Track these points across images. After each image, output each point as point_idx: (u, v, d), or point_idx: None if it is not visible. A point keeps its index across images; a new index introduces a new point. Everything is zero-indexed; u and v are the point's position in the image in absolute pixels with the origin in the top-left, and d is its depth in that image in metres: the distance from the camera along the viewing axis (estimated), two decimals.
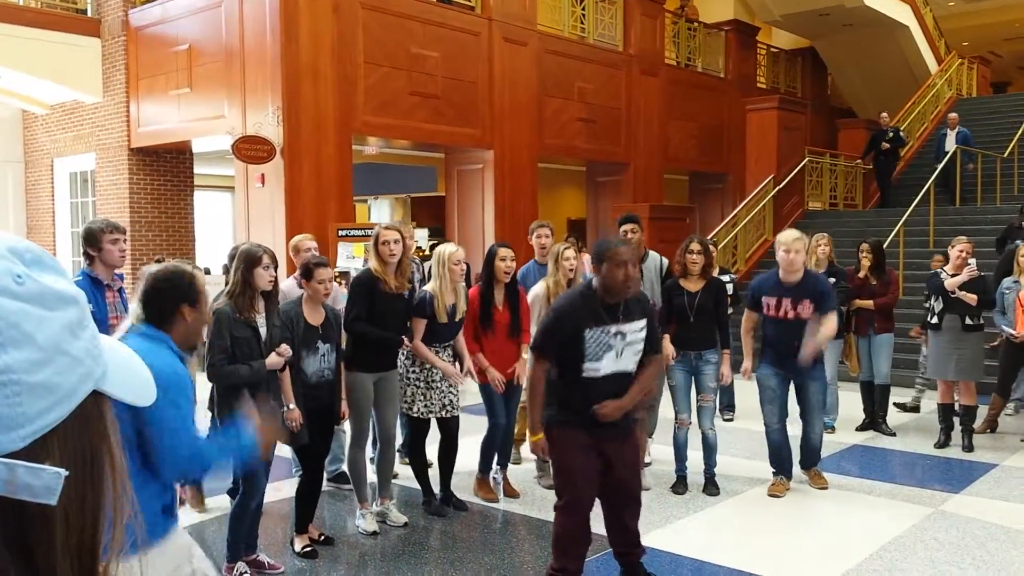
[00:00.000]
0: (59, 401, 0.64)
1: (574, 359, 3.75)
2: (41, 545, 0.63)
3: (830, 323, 5.48)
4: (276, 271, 4.37)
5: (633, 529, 4.05)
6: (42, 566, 0.63)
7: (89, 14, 11.98)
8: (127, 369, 0.75)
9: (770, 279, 5.68)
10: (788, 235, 5.58)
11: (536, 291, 5.62)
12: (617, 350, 3.78)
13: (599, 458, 3.84)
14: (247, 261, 4.21)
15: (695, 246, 5.78)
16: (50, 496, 0.61)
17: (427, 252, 11.69)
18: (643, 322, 3.88)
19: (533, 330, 5.64)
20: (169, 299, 2.76)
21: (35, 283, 0.65)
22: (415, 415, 5.22)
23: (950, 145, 13.87)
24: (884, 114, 14.74)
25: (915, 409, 8.18)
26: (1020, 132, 13.73)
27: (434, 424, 5.34)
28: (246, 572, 4.31)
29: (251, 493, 4.27)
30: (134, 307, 3.01)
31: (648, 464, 6.20)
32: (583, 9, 13.50)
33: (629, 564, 4.11)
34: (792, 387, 5.68)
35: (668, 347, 5.66)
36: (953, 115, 14.56)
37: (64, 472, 0.62)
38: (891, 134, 14.34)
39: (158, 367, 2.54)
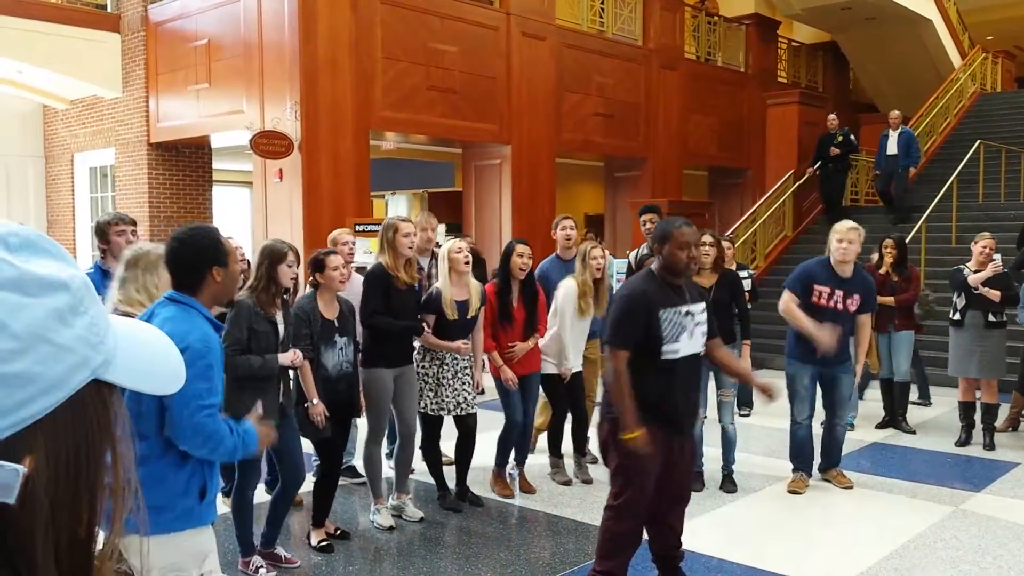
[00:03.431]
0: (43, 392, 0.61)
1: (652, 344, 3.65)
2: (20, 544, 0.59)
3: (867, 327, 5.58)
4: (299, 268, 4.39)
5: (678, 530, 3.95)
6: (22, 567, 0.59)
7: (109, 10, 12.06)
8: (148, 356, 0.71)
9: (822, 268, 5.51)
10: (843, 224, 5.49)
11: (567, 287, 5.60)
12: (689, 330, 3.73)
13: (662, 457, 3.73)
14: (271, 257, 4.23)
15: (706, 238, 5.73)
16: (7, 495, 0.58)
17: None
18: (703, 304, 3.86)
19: (550, 324, 5.65)
20: (197, 262, 2.70)
21: (13, 269, 0.61)
22: (422, 411, 5.20)
23: (892, 148, 12.65)
24: (832, 116, 13.44)
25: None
26: None
27: (451, 421, 5.32)
28: (262, 566, 4.32)
29: (247, 481, 4.33)
30: (112, 291, 3.01)
31: None
32: (602, 3, 13.43)
33: (668, 567, 4.00)
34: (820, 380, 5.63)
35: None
36: (895, 113, 12.94)
37: (23, 469, 0.58)
38: (840, 137, 12.97)
39: (190, 341, 2.55)
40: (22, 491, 0.58)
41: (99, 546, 0.67)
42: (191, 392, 2.53)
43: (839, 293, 5.42)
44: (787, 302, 5.51)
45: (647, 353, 3.67)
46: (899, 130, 12.66)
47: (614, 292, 7.33)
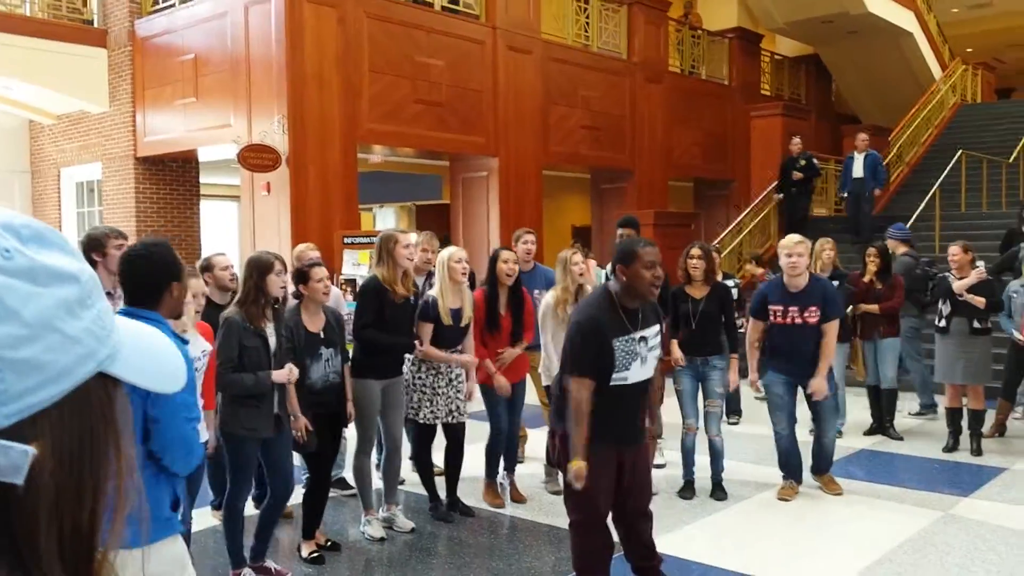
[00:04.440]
0: (51, 380, 0.62)
1: (602, 370, 3.60)
2: (24, 529, 0.60)
3: (832, 334, 5.51)
4: (287, 277, 4.38)
5: (649, 543, 3.92)
6: (26, 552, 0.60)
7: (95, 25, 12.05)
8: (151, 355, 0.72)
9: (776, 286, 5.66)
10: (789, 239, 5.60)
11: (547, 300, 5.60)
12: (642, 357, 3.67)
13: (616, 471, 3.72)
14: (259, 269, 4.21)
15: (695, 251, 5.78)
16: (16, 475, 0.58)
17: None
18: (658, 326, 3.79)
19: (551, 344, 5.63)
20: (157, 278, 2.71)
21: (25, 259, 0.63)
22: (421, 421, 5.21)
23: (858, 171, 12.53)
24: (796, 139, 13.14)
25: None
26: None
27: (440, 430, 5.33)
28: None
29: (236, 493, 4.31)
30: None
31: (662, 466, 6.20)
32: (587, 17, 13.53)
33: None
34: (801, 392, 5.66)
35: (677, 352, 5.70)
36: (863, 136, 12.87)
37: (32, 450, 0.59)
38: (803, 162, 12.78)
39: None
40: (28, 475, 0.59)
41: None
42: (180, 402, 2.56)
43: (793, 309, 5.47)
44: (750, 332, 5.81)
45: (596, 378, 3.60)
46: (864, 153, 12.56)
47: None
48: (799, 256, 5.44)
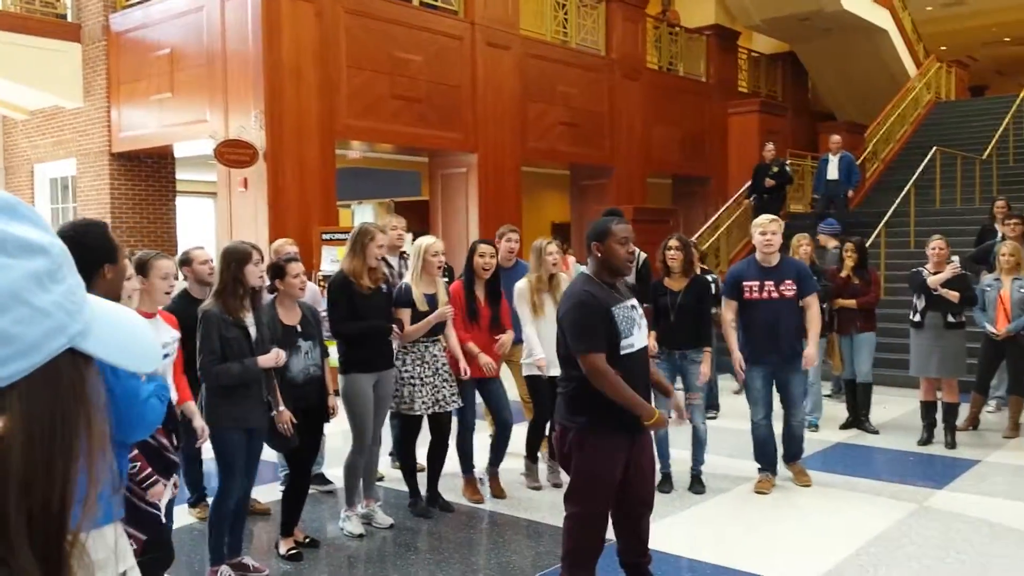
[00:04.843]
0: (20, 353, 0.61)
1: (610, 341, 3.62)
2: None
3: (814, 307, 5.63)
4: (263, 267, 4.36)
5: (644, 539, 3.91)
6: None
7: (69, 19, 11.92)
8: (124, 331, 0.72)
9: (749, 264, 5.72)
10: (763, 218, 5.75)
11: (519, 287, 5.60)
12: (638, 323, 3.73)
13: (624, 465, 3.70)
14: (237, 259, 4.17)
15: (673, 242, 5.81)
16: None
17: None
18: (634, 298, 3.85)
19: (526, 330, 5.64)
20: (86, 260, 2.57)
21: None
22: (406, 412, 5.15)
23: (832, 173, 12.49)
24: (770, 145, 12.99)
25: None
26: (998, 134, 13.87)
27: (425, 424, 5.29)
28: (230, 575, 4.28)
29: (227, 491, 4.24)
30: None
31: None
32: (565, 14, 13.54)
33: (638, 574, 3.98)
34: (774, 382, 5.72)
35: (652, 344, 5.70)
36: (836, 137, 12.86)
37: None
38: (775, 169, 12.65)
39: None
40: None
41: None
42: (134, 383, 2.49)
43: (769, 283, 5.56)
44: (724, 313, 5.77)
45: (605, 351, 3.63)
46: (839, 155, 12.51)
47: None
48: (773, 234, 5.56)
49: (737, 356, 5.68)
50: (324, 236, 9.34)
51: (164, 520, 3.17)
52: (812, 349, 5.60)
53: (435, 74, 11.28)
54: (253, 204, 9.86)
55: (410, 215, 17.08)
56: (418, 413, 5.16)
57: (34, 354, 0.62)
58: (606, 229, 3.71)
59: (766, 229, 5.57)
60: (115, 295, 2.79)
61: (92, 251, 2.59)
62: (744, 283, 5.64)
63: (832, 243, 9.07)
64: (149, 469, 3.00)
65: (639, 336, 3.72)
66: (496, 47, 12.05)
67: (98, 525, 2.58)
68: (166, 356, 3.86)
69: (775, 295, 5.55)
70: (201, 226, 15.39)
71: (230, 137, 9.72)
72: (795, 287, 5.56)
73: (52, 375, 0.63)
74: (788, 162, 14.57)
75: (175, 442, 3.19)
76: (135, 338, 0.73)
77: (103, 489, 0.67)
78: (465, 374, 5.29)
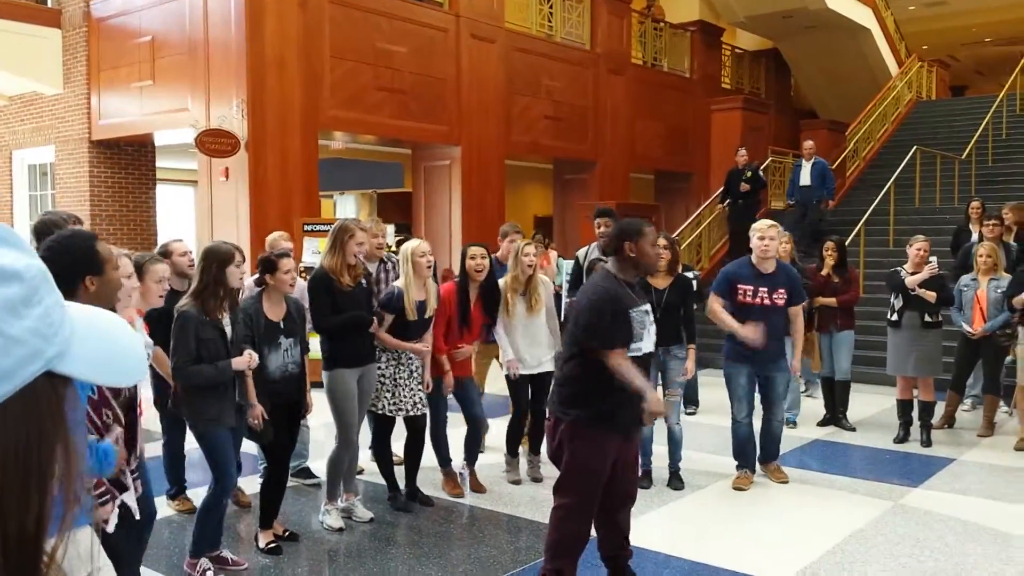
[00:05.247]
0: None
1: (622, 342, 3.68)
2: None
3: (800, 319, 5.75)
4: (245, 268, 4.33)
5: (625, 531, 3.98)
6: None
7: (49, 4, 11.79)
8: (109, 347, 0.71)
9: (744, 266, 5.73)
10: (763, 223, 5.77)
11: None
12: (648, 328, 3.79)
13: (614, 460, 3.77)
14: (219, 260, 4.13)
15: (661, 241, 5.82)
16: None
17: (394, 248, 11.68)
18: (648, 304, 3.95)
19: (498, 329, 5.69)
20: (66, 271, 2.51)
21: None
22: (380, 412, 5.19)
23: (805, 179, 12.37)
24: (742, 150, 12.83)
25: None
26: (978, 134, 13.99)
27: (401, 421, 5.31)
28: (209, 568, 4.26)
29: (222, 488, 4.23)
30: None
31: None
32: (550, 7, 13.53)
33: (617, 567, 4.03)
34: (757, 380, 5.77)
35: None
36: (809, 143, 12.70)
37: None
38: (749, 173, 12.48)
39: None
40: None
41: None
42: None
43: (763, 290, 5.60)
44: (712, 303, 5.73)
45: (624, 348, 3.69)
46: (812, 161, 12.40)
47: (565, 294, 7.43)
48: (771, 239, 5.58)
49: (742, 330, 5.37)
50: (306, 227, 9.29)
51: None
52: (796, 362, 5.79)
53: (419, 66, 11.25)
54: (234, 194, 9.80)
55: (393, 207, 17.10)
56: (381, 413, 5.16)
57: (7, 382, 0.61)
58: (639, 229, 3.78)
59: (764, 234, 5.58)
60: (103, 305, 2.77)
61: (75, 262, 2.58)
62: (739, 285, 5.65)
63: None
64: (105, 486, 2.91)
65: (648, 341, 3.82)
66: (481, 40, 12.03)
67: (73, 527, 2.56)
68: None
69: (767, 302, 5.59)
70: (181, 215, 15.28)
71: (212, 126, 9.65)
72: (786, 296, 5.61)
73: (28, 400, 0.62)
74: (769, 159, 14.69)
75: (131, 465, 3.11)
76: (120, 351, 0.72)
77: (80, 507, 0.67)
78: (427, 387, 5.29)
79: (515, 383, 5.73)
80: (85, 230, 2.79)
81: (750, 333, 5.30)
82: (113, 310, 2.88)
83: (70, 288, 2.59)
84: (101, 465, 2.60)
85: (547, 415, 4.03)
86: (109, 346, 0.71)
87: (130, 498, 3.03)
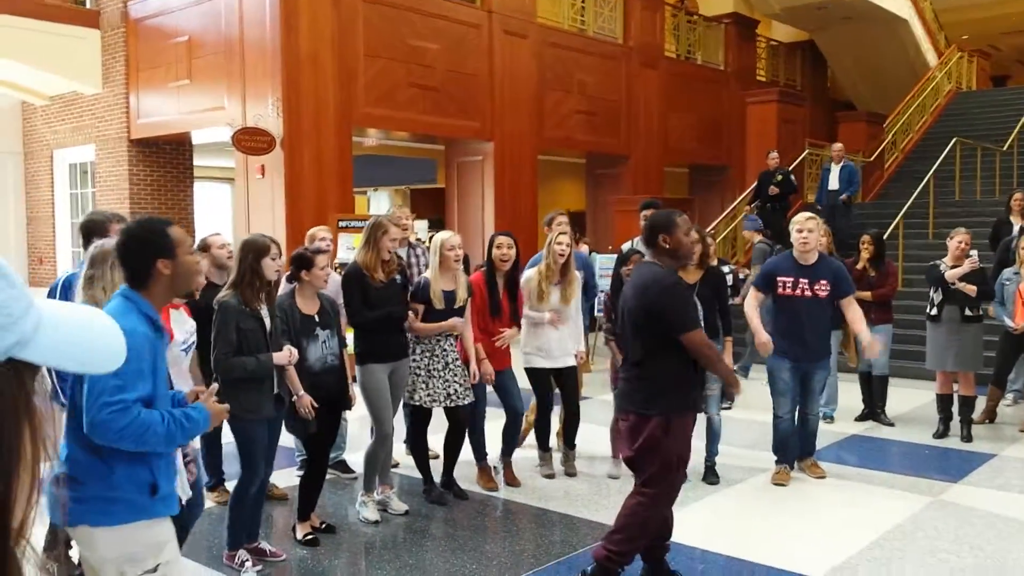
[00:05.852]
0: None
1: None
2: None
3: (854, 305, 5.66)
4: (281, 261, 4.38)
5: (670, 522, 4.04)
6: None
7: (88, 5, 11.99)
8: (79, 335, 0.72)
9: (785, 260, 5.75)
10: (802, 215, 5.74)
11: (528, 275, 5.67)
12: (696, 312, 3.98)
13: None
14: (255, 251, 4.20)
15: (693, 234, 5.79)
16: None
17: (427, 243, 11.75)
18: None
19: (527, 311, 5.69)
20: (141, 256, 2.66)
21: None
22: (416, 403, 5.21)
23: (834, 183, 12.10)
24: (774, 153, 12.57)
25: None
26: (1020, 125, 13.73)
27: (441, 413, 5.33)
28: (247, 559, 4.32)
29: (249, 479, 4.28)
30: (78, 289, 3.03)
31: None
32: (583, 2, 13.49)
33: (655, 559, 4.05)
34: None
35: None
36: (838, 146, 12.46)
37: None
38: (779, 177, 12.23)
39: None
40: None
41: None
42: (96, 388, 2.49)
43: (804, 281, 5.56)
44: (749, 300, 5.78)
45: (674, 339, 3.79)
46: (841, 164, 12.14)
47: (598, 288, 7.41)
48: (809, 232, 5.55)
49: (764, 338, 5.56)
50: (340, 223, 9.37)
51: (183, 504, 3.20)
52: (867, 336, 5.56)
53: (452, 62, 11.28)
54: (270, 190, 9.90)
55: (426, 202, 17.16)
56: (418, 404, 5.19)
57: None
58: (672, 221, 3.87)
59: (803, 227, 5.57)
60: (180, 286, 2.83)
61: (142, 246, 2.66)
62: (778, 278, 5.64)
63: (757, 237, 9.76)
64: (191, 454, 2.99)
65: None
66: (513, 35, 12.03)
67: (150, 517, 2.60)
68: (187, 349, 3.92)
69: (808, 293, 5.55)
70: (218, 212, 15.47)
71: (248, 125, 9.76)
72: (829, 288, 5.55)
73: None
74: (807, 151, 14.52)
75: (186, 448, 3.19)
76: (91, 339, 0.73)
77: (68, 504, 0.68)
78: (474, 378, 5.33)
79: (537, 377, 5.73)
80: (160, 216, 2.88)
81: (763, 341, 5.54)
82: (191, 292, 2.94)
83: (144, 271, 2.66)
84: (186, 430, 2.65)
85: (621, 417, 4.07)
86: (81, 334, 0.72)
87: (183, 478, 3.10)
